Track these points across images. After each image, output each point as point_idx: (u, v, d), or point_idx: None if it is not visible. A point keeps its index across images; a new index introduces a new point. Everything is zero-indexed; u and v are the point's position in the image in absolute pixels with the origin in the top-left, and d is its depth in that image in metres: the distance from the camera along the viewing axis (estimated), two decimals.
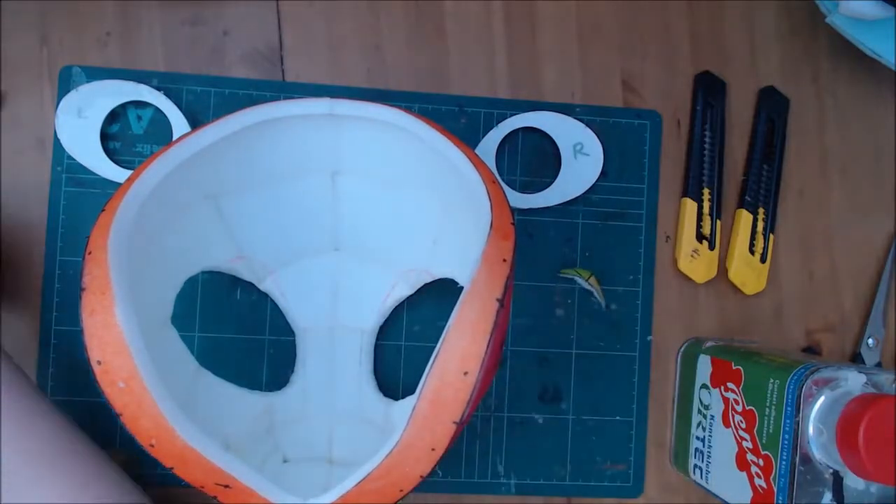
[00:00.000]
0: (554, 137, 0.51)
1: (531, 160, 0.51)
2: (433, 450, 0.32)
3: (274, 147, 0.41)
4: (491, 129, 0.51)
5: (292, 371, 0.47)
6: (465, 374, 0.31)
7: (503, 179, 0.51)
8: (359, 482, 0.32)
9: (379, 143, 0.42)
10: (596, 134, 0.51)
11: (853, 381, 0.38)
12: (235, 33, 0.50)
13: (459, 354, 0.31)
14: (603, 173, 0.51)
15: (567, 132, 0.51)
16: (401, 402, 0.46)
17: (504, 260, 0.34)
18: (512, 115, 0.51)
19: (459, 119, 0.51)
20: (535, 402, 0.51)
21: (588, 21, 0.52)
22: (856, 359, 0.54)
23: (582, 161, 0.51)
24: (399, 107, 0.41)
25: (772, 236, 0.53)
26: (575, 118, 0.51)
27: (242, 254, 0.45)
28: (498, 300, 0.32)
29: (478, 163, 0.38)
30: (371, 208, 0.45)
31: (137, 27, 0.49)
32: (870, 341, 0.53)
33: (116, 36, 0.49)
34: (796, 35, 0.54)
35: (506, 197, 0.38)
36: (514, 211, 0.39)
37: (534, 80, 0.52)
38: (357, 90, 0.50)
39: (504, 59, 0.52)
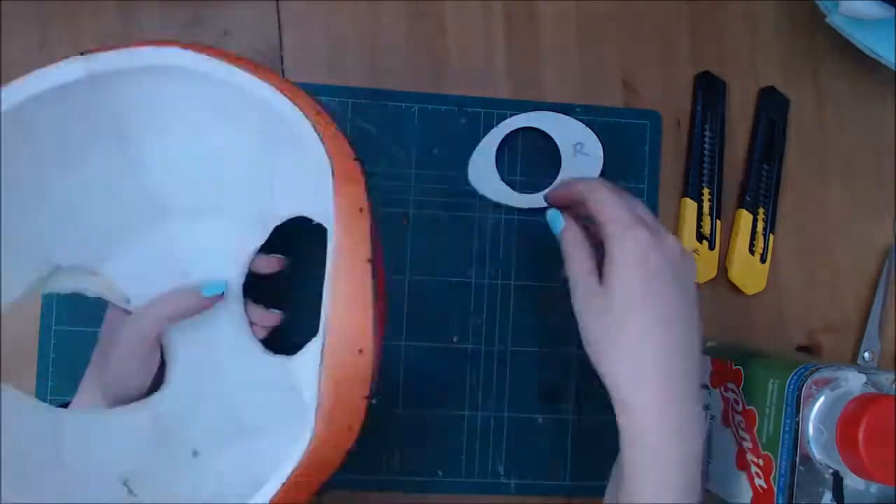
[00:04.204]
0: (554, 137, 0.51)
1: (531, 160, 0.51)
2: (350, 428, 0.30)
3: (35, 136, 0.34)
4: (491, 129, 0.51)
5: (162, 364, 0.41)
6: (360, 351, 0.29)
7: (503, 179, 0.51)
8: (285, 481, 0.30)
9: (164, 90, 0.35)
10: (596, 134, 0.51)
11: (853, 381, 0.38)
12: (235, 33, 0.50)
13: (347, 336, 0.29)
14: (603, 173, 0.51)
15: (567, 132, 0.51)
16: (298, 356, 0.41)
17: (360, 209, 0.30)
18: (512, 115, 0.51)
19: (459, 119, 0.51)
20: (535, 402, 0.51)
21: (588, 21, 0.52)
22: None
23: (582, 161, 0.51)
24: (178, 42, 0.35)
25: (772, 236, 0.53)
26: (575, 118, 0.51)
27: (55, 264, 0.39)
28: (369, 261, 0.29)
29: (292, 92, 0.33)
30: (184, 163, 0.39)
31: (137, 27, 0.49)
32: (866, 355, 0.53)
33: (116, 36, 0.49)
34: (796, 35, 0.54)
35: (339, 130, 0.33)
36: (354, 145, 0.33)
37: (534, 80, 0.52)
38: (357, 90, 0.50)
39: (504, 59, 0.52)
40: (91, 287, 0.40)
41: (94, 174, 0.38)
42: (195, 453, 0.41)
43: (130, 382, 0.39)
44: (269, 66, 0.50)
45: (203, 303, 0.40)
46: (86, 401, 0.39)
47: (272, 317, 0.43)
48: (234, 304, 0.42)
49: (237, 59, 0.34)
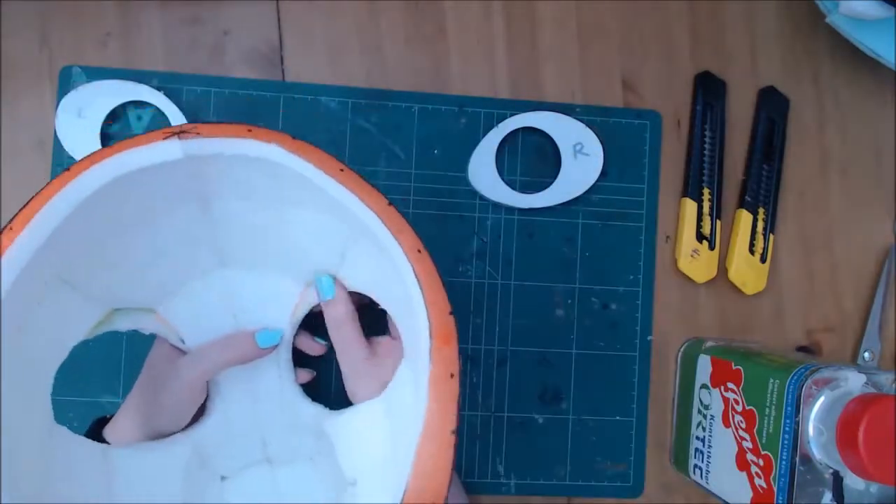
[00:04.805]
0: (554, 137, 0.51)
1: (531, 160, 0.51)
2: None
3: (124, 200, 0.35)
4: (491, 129, 0.51)
5: (207, 398, 0.42)
6: None
7: (503, 180, 0.51)
8: None
9: (255, 171, 0.36)
10: (596, 134, 0.51)
11: (853, 381, 0.38)
12: (235, 33, 0.50)
13: (424, 496, 0.30)
14: (603, 173, 0.51)
15: (567, 132, 0.51)
16: (336, 415, 0.42)
17: (451, 375, 0.31)
18: (512, 115, 0.51)
19: (459, 119, 0.51)
20: (535, 402, 0.51)
21: (588, 21, 0.52)
22: None
23: (582, 161, 0.51)
24: (280, 134, 0.35)
25: (772, 236, 0.53)
26: (575, 118, 0.51)
27: (116, 306, 0.40)
28: (453, 432, 0.30)
29: (396, 224, 0.33)
30: (257, 223, 0.40)
31: (137, 27, 0.49)
32: (866, 355, 0.53)
33: (116, 36, 0.49)
34: (796, 35, 0.54)
35: (435, 267, 0.33)
36: (445, 283, 0.33)
37: (534, 80, 0.52)
38: (357, 90, 0.50)
39: (504, 59, 0.52)
40: (148, 325, 0.41)
41: (171, 230, 0.39)
42: (223, 478, 0.42)
43: (178, 418, 0.40)
44: (269, 66, 0.50)
45: (259, 352, 0.40)
46: (126, 430, 0.40)
47: (318, 347, 0.44)
48: (283, 350, 0.43)
49: (340, 171, 0.34)
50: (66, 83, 0.48)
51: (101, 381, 0.48)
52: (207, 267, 0.42)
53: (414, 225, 0.50)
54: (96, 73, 0.48)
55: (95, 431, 0.39)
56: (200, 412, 0.42)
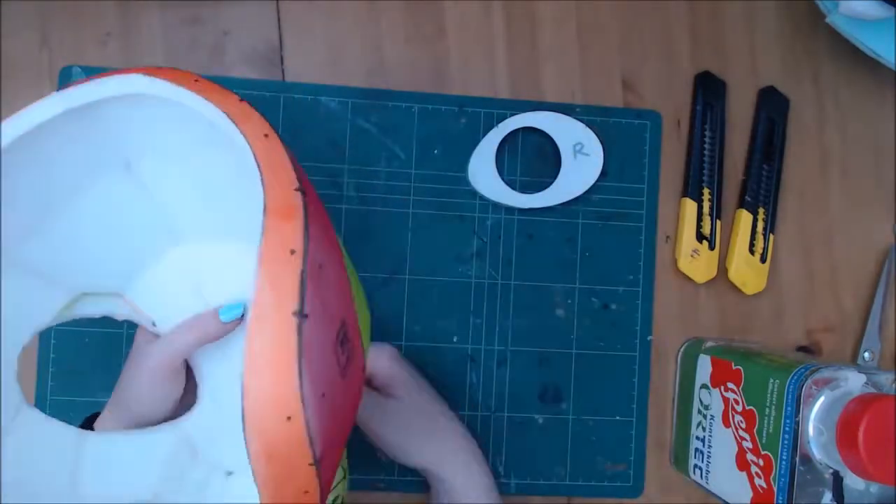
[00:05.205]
0: (554, 137, 0.51)
1: (531, 160, 0.51)
2: (306, 492, 0.27)
3: (34, 169, 0.33)
4: (491, 129, 0.51)
5: (196, 386, 0.41)
6: (289, 418, 0.25)
7: (503, 179, 0.51)
8: None
9: (148, 116, 0.34)
10: (596, 134, 0.51)
11: (853, 381, 0.38)
12: (235, 33, 0.50)
13: (268, 400, 0.25)
14: (603, 173, 0.51)
15: (567, 132, 0.51)
16: None
17: (292, 252, 0.26)
18: (512, 115, 0.51)
19: (459, 119, 0.51)
20: (535, 402, 0.51)
21: (588, 21, 0.52)
22: None
23: (582, 161, 0.51)
24: (158, 69, 0.33)
25: (772, 236, 0.53)
26: (575, 118, 0.51)
27: (82, 291, 0.39)
28: (296, 314, 0.25)
29: (241, 114, 0.30)
30: (188, 186, 0.38)
31: (137, 27, 0.49)
32: (866, 355, 0.53)
33: (116, 36, 0.49)
34: (796, 35, 0.54)
35: (287, 151, 0.30)
36: (301, 169, 0.30)
37: (534, 80, 0.52)
38: (357, 90, 0.50)
39: (504, 59, 0.52)
40: (118, 310, 0.40)
41: (104, 200, 0.37)
42: (229, 473, 0.40)
43: (155, 407, 0.39)
44: (269, 66, 0.50)
45: (223, 327, 0.39)
46: (109, 421, 0.39)
47: None
48: None
49: (195, 82, 0.32)
50: (66, 83, 0.48)
51: (101, 381, 0.48)
52: (161, 246, 0.40)
53: (414, 225, 0.50)
54: (96, 73, 0.48)
55: (88, 427, 0.39)
56: (194, 401, 0.41)
